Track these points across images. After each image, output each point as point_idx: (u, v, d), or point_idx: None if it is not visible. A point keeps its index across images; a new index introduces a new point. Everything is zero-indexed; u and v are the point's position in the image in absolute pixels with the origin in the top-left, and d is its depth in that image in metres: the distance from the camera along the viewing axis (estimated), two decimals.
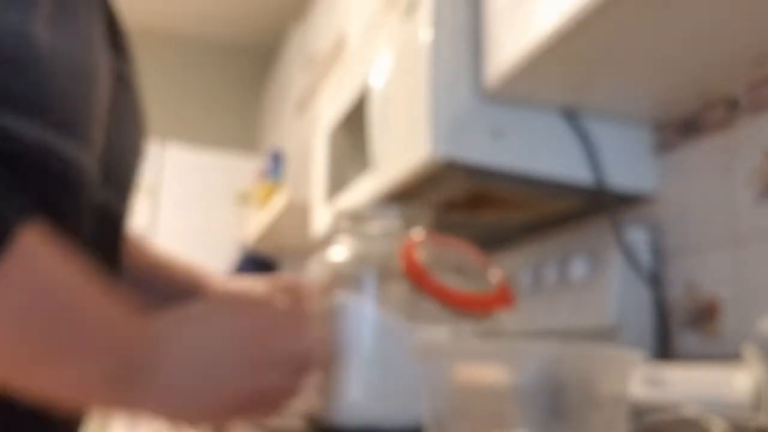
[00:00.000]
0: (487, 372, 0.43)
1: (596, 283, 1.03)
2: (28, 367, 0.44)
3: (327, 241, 0.67)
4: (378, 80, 1.15)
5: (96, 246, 0.60)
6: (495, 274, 0.59)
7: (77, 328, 0.44)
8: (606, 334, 1.01)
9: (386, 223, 0.63)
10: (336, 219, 0.65)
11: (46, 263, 0.44)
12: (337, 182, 1.38)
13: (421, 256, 0.56)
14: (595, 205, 1.10)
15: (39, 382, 0.45)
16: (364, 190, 1.19)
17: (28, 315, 0.43)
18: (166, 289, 0.77)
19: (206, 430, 0.51)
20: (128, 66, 0.65)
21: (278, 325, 0.50)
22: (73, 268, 0.46)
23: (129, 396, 0.46)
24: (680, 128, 1.02)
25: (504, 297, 0.56)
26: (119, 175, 0.63)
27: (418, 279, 0.54)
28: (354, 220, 0.64)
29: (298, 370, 0.51)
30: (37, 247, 0.43)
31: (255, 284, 0.75)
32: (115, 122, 0.62)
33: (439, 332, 0.61)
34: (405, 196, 1.10)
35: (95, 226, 0.60)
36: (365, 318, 0.59)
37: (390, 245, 0.60)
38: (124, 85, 0.64)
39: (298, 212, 2.02)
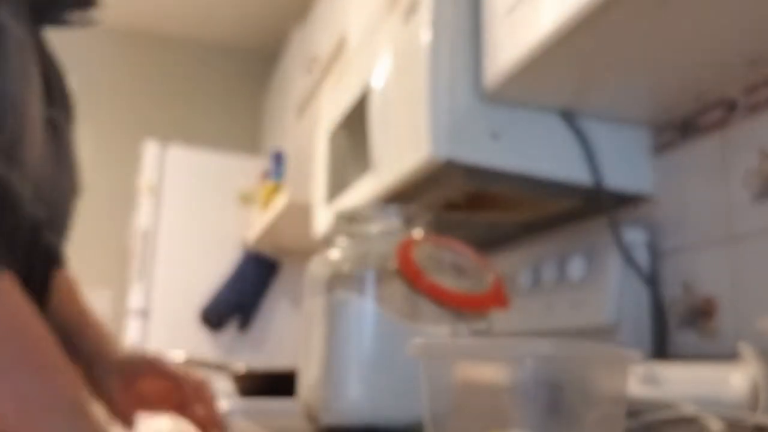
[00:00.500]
0: (486, 370, 0.43)
1: (594, 282, 1.03)
2: None
3: (328, 241, 0.67)
4: (378, 82, 1.15)
5: (26, 275, 0.61)
6: (490, 274, 0.59)
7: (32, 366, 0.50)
8: (604, 333, 1.01)
9: (385, 223, 0.63)
10: (336, 219, 0.65)
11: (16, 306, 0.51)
12: (338, 183, 1.38)
13: (417, 255, 0.56)
14: (594, 206, 1.10)
15: None
16: (364, 190, 1.19)
17: None
18: (71, 341, 0.78)
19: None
20: (65, 120, 0.69)
21: None
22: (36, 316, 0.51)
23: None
24: (678, 129, 1.02)
25: (498, 297, 0.56)
26: (52, 213, 0.66)
27: (413, 278, 0.54)
28: (354, 220, 0.64)
29: None
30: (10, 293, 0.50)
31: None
32: (48, 164, 0.65)
33: (439, 331, 0.61)
34: (405, 197, 1.10)
35: (27, 255, 0.61)
36: (365, 317, 0.59)
37: (389, 245, 0.60)
38: (58, 135, 0.67)
39: (299, 212, 2.02)
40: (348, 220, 0.65)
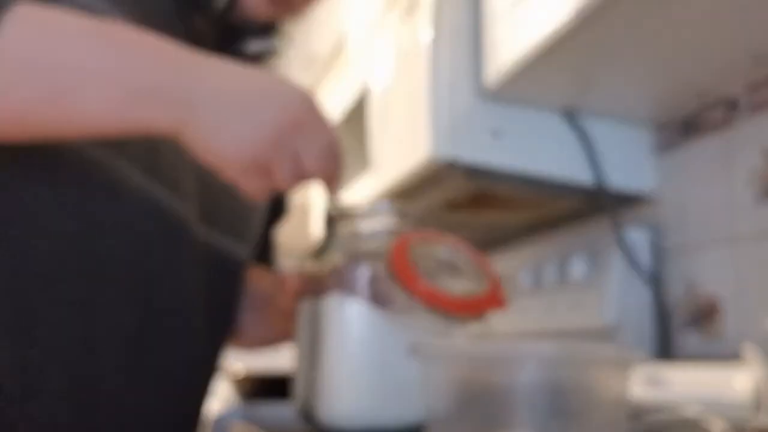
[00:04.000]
0: (487, 372, 0.43)
1: (596, 283, 1.02)
2: (48, 103, 0.48)
3: (324, 240, 0.66)
4: (378, 80, 1.15)
5: (207, 288, 0.66)
6: (489, 272, 0.58)
7: (81, 59, 0.49)
8: (606, 335, 1.01)
9: (380, 220, 0.62)
10: (327, 217, 0.65)
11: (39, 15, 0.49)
12: None
13: (411, 256, 0.55)
14: (595, 205, 1.09)
15: (66, 113, 0.49)
16: (363, 190, 1.19)
17: (28, 58, 0.47)
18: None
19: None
20: None
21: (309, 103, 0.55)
22: (64, 15, 0.50)
23: (171, 111, 0.49)
24: (680, 128, 1.02)
25: (496, 298, 0.55)
26: (222, 220, 0.68)
27: (407, 283, 0.53)
28: (348, 218, 0.63)
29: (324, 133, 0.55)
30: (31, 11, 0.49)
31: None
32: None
33: (433, 329, 0.60)
34: (405, 196, 1.10)
35: (203, 269, 0.65)
36: (357, 319, 0.58)
37: (383, 243, 0.59)
38: None
39: (298, 213, 2.01)
40: (342, 218, 0.64)
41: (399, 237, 0.58)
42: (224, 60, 0.53)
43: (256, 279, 0.77)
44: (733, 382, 0.71)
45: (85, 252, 0.56)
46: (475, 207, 1.13)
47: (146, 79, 0.49)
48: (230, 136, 0.50)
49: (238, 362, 1.50)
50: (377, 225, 0.62)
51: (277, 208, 0.84)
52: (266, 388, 1.17)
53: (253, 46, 0.70)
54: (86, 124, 0.50)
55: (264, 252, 0.83)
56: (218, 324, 0.71)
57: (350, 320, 0.58)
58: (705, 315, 0.95)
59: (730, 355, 0.84)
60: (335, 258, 0.61)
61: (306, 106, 0.53)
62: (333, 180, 0.58)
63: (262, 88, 0.52)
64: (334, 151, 0.56)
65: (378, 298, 0.58)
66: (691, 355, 0.96)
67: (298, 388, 0.62)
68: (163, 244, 0.61)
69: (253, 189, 0.53)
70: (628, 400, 0.45)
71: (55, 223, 0.55)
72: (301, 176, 0.54)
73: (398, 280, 0.54)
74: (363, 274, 0.59)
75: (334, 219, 0.63)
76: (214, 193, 0.66)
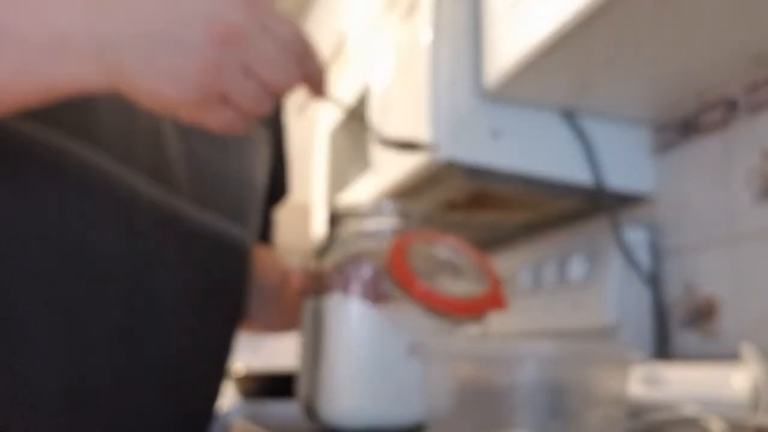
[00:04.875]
0: (487, 372, 0.43)
1: (595, 283, 1.03)
2: None
3: (327, 239, 0.66)
4: (378, 81, 1.15)
5: (211, 274, 0.64)
6: (490, 273, 0.58)
7: None
8: (605, 334, 1.01)
9: (381, 220, 0.62)
10: (330, 217, 0.65)
11: None
12: (338, 183, 1.38)
13: (411, 256, 0.54)
14: (594, 206, 1.10)
15: None
16: (364, 190, 1.19)
17: None
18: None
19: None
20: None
21: None
22: None
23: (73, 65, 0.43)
24: (679, 129, 1.02)
25: (496, 299, 0.55)
26: (219, 203, 0.66)
27: (406, 285, 0.52)
28: (349, 217, 0.63)
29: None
30: None
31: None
32: (193, 146, 0.64)
33: (432, 326, 0.60)
34: (405, 197, 1.10)
35: (203, 255, 0.63)
36: (360, 317, 0.59)
37: (386, 243, 0.59)
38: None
39: (298, 212, 2.02)
40: (343, 218, 0.64)
41: (399, 237, 0.58)
42: None
43: (263, 270, 0.77)
44: (732, 382, 0.71)
45: (69, 250, 0.55)
46: (474, 207, 1.14)
47: (52, 30, 0.43)
48: (164, 74, 0.43)
49: (238, 361, 1.50)
50: (380, 224, 0.62)
51: (277, 188, 0.84)
52: (267, 387, 1.17)
53: None
54: (3, 92, 0.44)
55: (263, 231, 0.82)
56: (226, 309, 0.69)
57: (351, 320, 0.59)
58: (703, 314, 0.95)
59: (728, 355, 0.85)
60: (338, 257, 0.61)
61: (240, 9, 0.44)
62: (315, 80, 0.49)
63: (182, 5, 0.44)
64: (301, 48, 0.47)
65: (379, 298, 0.58)
66: (690, 354, 0.96)
67: (302, 386, 0.62)
68: (148, 235, 0.59)
69: (219, 123, 0.45)
70: (626, 400, 0.45)
71: (34, 222, 0.54)
72: (269, 91, 0.45)
73: (396, 282, 0.53)
74: (365, 273, 0.59)
75: (337, 218, 0.63)
76: (208, 176, 0.64)
